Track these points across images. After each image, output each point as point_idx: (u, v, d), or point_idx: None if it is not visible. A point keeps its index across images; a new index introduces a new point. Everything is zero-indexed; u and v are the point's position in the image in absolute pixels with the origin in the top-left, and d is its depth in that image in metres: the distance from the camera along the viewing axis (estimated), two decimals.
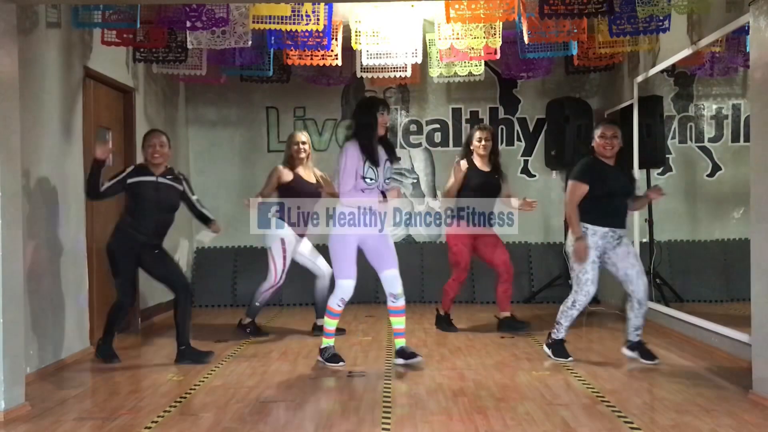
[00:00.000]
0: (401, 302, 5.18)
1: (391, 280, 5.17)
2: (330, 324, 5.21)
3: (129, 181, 5.32)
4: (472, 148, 6.46)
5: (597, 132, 5.23)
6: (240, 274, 8.46)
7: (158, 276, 5.50)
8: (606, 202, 5.11)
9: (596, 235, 5.11)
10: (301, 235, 6.35)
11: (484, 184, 6.39)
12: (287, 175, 6.27)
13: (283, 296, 8.33)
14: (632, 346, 5.23)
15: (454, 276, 6.52)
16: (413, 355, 5.15)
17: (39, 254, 5.03)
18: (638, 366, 5.14)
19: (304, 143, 6.32)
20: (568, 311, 5.25)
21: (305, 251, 6.43)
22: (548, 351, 5.34)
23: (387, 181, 5.11)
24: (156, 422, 3.90)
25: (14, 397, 4.12)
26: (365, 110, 5.12)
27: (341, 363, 5.13)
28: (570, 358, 5.24)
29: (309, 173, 6.34)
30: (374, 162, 5.02)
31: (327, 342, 5.22)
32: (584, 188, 5.13)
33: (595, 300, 8.08)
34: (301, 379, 4.86)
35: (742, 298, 4.88)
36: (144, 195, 5.32)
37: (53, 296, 5.24)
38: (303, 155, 6.31)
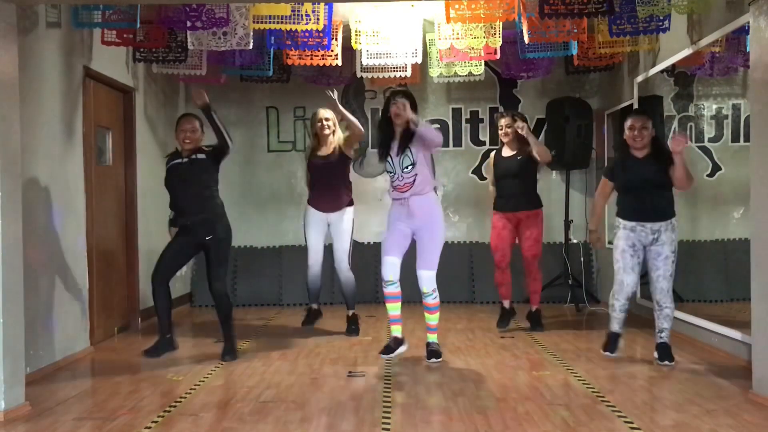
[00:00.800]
0: (429, 300, 5.30)
1: (423, 279, 5.26)
2: (388, 310, 5.39)
3: (167, 169, 5.49)
4: (500, 138, 6.55)
5: (626, 124, 5.21)
6: (240, 274, 8.46)
7: (207, 268, 5.51)
8: (630, 195, 5.16)
9: (626, 228, 5.17)
10: (333, 210, 6.32)
11: (506, 170, 6.43)
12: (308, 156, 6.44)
13: (283, 297, 8.35)
14: (656, 345, 5.24)
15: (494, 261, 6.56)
16: (432, 354, 5.30)
17: (39, 254, 5.03)
18: (638, 366, 5.15)
19: (327, 120, 6.33)
20: (609, 302, 5.35)
21: (336, 231, 6.36)
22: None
23: (407, 168, 5.14)
24: (156, 422, 3.90)
25: (14, 397, 4.12)
26: (383, 107, 5.35)
27: (383, 356, 5.31)
28: (609, 353, 5.30)
29: (327, 148, 6.34)
30: (386, 154, 5.18)
31: (392, 330, 5.43)
32: (608, 184, 5.29)
33: (595, 300, 8.11)
34: (301, 379, 4.86)
35: (742, 298, 4.87)
36: (174, 176, 5.43)
37: (53, 296, 5.24)
38: (327, 132, 6.32)
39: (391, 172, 5.22)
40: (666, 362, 5.09)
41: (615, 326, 5.35)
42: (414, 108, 5.23)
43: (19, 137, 4.31)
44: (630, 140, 5.17)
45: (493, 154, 6.69)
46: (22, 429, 3.89)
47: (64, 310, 5.37)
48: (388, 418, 3.92)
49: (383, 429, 3.73)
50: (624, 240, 5.16)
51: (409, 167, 5.14)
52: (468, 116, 8.64)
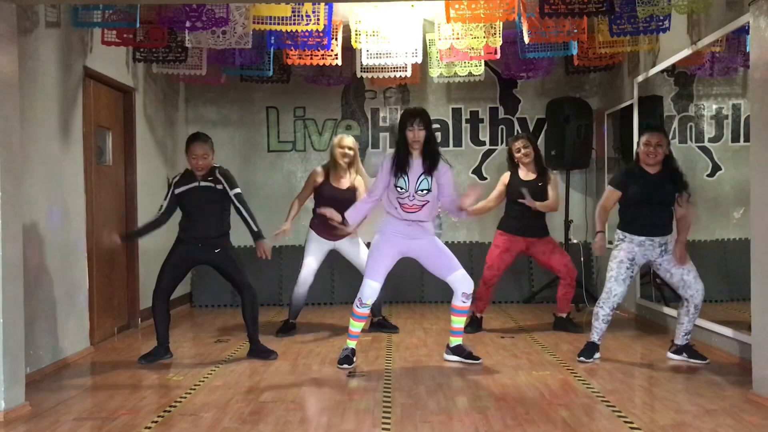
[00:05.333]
0: (468, 303, 5.24)
1: (462, 281, 5.18)
2: (350, 325, 5.24)
3: (177, 191, 5.40)
4: (516, 160, 6.40)
5: (642, 139, 5.16)
6: None
7: (223, 276, 5.59)
8: (641, 210, 5.09)
9: (633, 242, 5.12)
10: (337, 239, 6.14)
11: (527, 192, 6.22)
12: (319, 177, 6.25)
13: (283, 296, 8.34)
14: (679, 349, 5.21)
15: (483, 276, 6.50)
16: (472, 355, 5.24)
17: (39, 254, 5.03)
18: (638, 366, 5.15)
19: (351, 149, 6.21)
20: (594, 309, 5.28)
21: (351, 253, 6.35)
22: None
23: (422, 191, 5.04)
24: (156, 422, 3.90)
25: (14, 397, 4.12)
26: (399, 125, 5.16)
27: (345, 365, 5.13)
28: (584, 359, 5.18)
29: (344, 180, 6.22)
30: (401, 171, 5.03)
31: (348, 343, 5.27)
32: (616, 194, 5.19)
33: (595, 300, 8.09)
34: (301, 379, 4.86)
35: (742, 298, 4.87)
36: (188, 200, 5.39)
37: (53, 296, 5.24)
38: (346, 160, 6.19)
39: (401, 188, 5.04)
40: (707, 361, 5.08)
41: (595, 337, 5.25)
42: (429, 126, 5.07)
43: (20, 137, 4.31)
44: (644, 156, 5.11)
45: (507, 175, 6.44)
46: (22, 429, 3.89)
47: (64, 310, 5.37)
48: (388, 418, 3.92)
49: (383, 429, 3.73)
50: (626, 252, 5.12)
51: (425, 192, 5.06)
52: (468, 116, 8.64)
